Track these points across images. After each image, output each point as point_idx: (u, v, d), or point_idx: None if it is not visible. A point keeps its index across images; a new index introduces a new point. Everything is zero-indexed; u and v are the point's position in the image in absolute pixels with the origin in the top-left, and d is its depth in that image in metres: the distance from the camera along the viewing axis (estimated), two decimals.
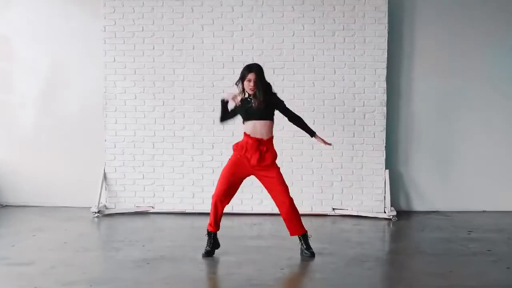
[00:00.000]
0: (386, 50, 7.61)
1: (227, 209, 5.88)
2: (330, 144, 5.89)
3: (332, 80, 7.67)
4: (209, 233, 5.75)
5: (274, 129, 5.73)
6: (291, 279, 5.26)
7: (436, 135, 7.95)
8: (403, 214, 7.70)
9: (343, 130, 7.67)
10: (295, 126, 5.90)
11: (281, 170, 5.74)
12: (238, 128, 5.97)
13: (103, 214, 7.71)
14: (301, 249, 5.71)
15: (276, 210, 6.40)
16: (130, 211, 7.82)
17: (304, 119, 5.93)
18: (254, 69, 5.61)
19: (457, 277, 5.10)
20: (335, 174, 7.72)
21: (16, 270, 5.31)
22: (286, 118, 5.86)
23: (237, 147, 5.68)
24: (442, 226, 7.13)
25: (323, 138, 5.87)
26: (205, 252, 5.70)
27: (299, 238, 5.71)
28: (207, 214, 5.81)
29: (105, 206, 7.87)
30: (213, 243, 5.74)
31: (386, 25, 7.60)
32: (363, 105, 7.66)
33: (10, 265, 5.47)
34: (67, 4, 8.17)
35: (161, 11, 7.76)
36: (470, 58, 7.90)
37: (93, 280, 4.98)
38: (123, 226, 7.21)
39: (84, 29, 8.10)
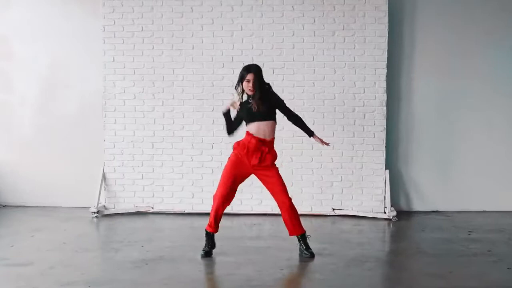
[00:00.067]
0: (386, 50, 7.59)
1: (227, 209, 5.84)
2: (328, 144, 5.88)
3: (332, 80, 7.65)
4: (208, 234, 5.72)
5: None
6: (290, 280, 5.23)
7: (436, 135, 7.93)
8: (403, 214, 7.68)
9: (343, 130, 7.66)
10: (295, 126, 5.90)
11: (281, 170, 5.76)
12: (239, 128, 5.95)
13: (102, 215, 7.69)
14: (300, 249, 5.69)
15: (276, 210, 6.41)
16: (129, 212, 7.80)
17: (304, 119, 5.93)
18: (252, 70, 5.59)
19: (457, 278, 5.08)
20: (335, 174, 7.70)
21: (15, 270, 5.29)
22: (285, 118, 5.86)
23: (238, 146, 5.66)
24: (443, 226, 7.11)
25: (321, 138, 5.86)
26: (204, 253, 5.68)
27: (298, 238, 5.69)
28: (206, 214, 5.80)
29: (104, 206, 7.85)
30: (212, 243, 5.73)
31: (386, 24, 7.58)
32: (363, 105, 7.64)
33: (8, 265, 5.45)
34: (67, 3, 8.15)
35: (160, 10, 7.75)
36: (470, 57, 7.88)
37: (92, 281, 4.96)
38: (122, 226, 7.18)
39: (84, 29, 8.09)
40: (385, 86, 7.62)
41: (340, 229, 7.04)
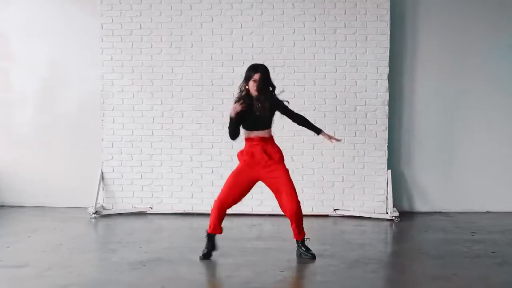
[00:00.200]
0: (388, 48, 7.51)
1: (227, 208, 5.75)
2: (339, 140, 5.79)
3: (333, 78, 7.58)
4: (208, 235, 5.62)
5: (274, 128, 5.67)
6: (290, 282, 5.17)
7: (439, 135, 7.86)
8: (405, 215, 7.60)
9: (345, 129, 7.58)
10: (295, 125, 5.80)
11: None
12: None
13: (100, 215, 7.61)
14: (299, 252, 5.61)
15: (276, 210, 6.32)
16: (128, 212, 7.73)
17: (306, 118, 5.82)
18: (260, 69, 5.47)
19: (461, 280, 5.00)
20: (336, 174, 7.62)
21: (10, 272, 5.22)
22: (286, 117, 5.75)
23: (242, 154, 5.57)
24: (446, 227, 7.05)
25: (330, 134, 5.77)
26: (202, 255, 5.58)
27: (297, 242, 5.62)
28: (206, 215, 5.72)
29: (102, 206, 7.78)
30: (212, 245, 5.62)
31: (388, 22, 7.50)
32: (365, 104, 7.56)
33: (3, 267, 5.38)
34: (64, 1, 8.08)
35: (159, 8, 7.67)
36: (473, 56, 7.80)
37: (88, 282, 4.90)
38: (121, 227, 7.12)
39: (81, 27, 8.02)
40: (387, 85, 7.54)
41: (342, 230, 6.98)
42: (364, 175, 7.61)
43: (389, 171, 7.60)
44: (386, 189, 7.57)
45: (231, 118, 5.44)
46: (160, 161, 7.77)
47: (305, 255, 5.55)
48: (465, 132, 7.85)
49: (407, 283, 5.04)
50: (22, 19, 8.17)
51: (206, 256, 5.57)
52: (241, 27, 7.61)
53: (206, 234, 5.63)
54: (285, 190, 5.45)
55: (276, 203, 5.65)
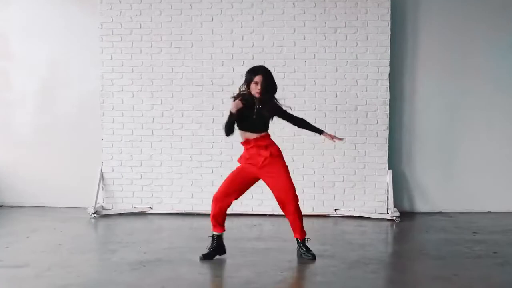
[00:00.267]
0: (389, 47, 7.49)
1: (226, 206, 5.71)
2: (341, 139, 5.77)
3: (334, 78, 7.55)
4: (212, 236, 5.58)
5: (274, 128, 5.66)
6: (291, 283, 5.14)
7: (440, 135, 7.83)
8: (406, 215, 7.57)
9: (345, 129, 7.55)
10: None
11: None
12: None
13: (100, 215, 7.59)
14: (300, 252, 5.58)
15: (276, 211, 6.29)
16: (127, 212, 7.70)
17: (305, 118, 5.79)
18: (261, 72, 5.40)
19: (462, 281, 4.97)
20: (337, 174, 7.60)
21: (9, 272, 5.19)
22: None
23: (241, 159, 5.56)
24: (447, 227, 7.01)
25: (331, 134, 5.74)
26: (202, 255, 5.54)
27: (298, 241, 5.58)
28: (206, 215, 5.70)
29: (102, 206, 7.75)
30: (216, 246, 5.56)
31: (389, 21, 7.47)
32: (366, 104, 7.53)
33: (2, 267, 5.35)
34: (64, 1, 8.05)
35: (159, 7, 7.64)
36: (474, 56, 7.77)
37: (87, 283, 4.87)
38: (120, 227, 7.09)
39: (81, 27, 7.99)
40: (388, 85, 7.51)
41: (342, 230, 6.95)
42: (365, 175, 7.58)
43: (390, 171, 7.57)
44: (386, 189, 7.54)
45: (231, 114, 5.36)
46: (160, 161, 7.74)
47: (306, 255, 5.52)
48: (466, 132, 7.83)
49: (408, 284, 5.00)
50: (22, 19, 8.13)
51: (206, 256, 5.53)
52: (242, 27, 7.58)
53: (211, 234, 5.59)
54: (283, 187, 5.41)
55: (276, 203, 5.61)
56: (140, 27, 7.67)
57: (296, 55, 7.57)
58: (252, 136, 5.46)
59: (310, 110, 7.43)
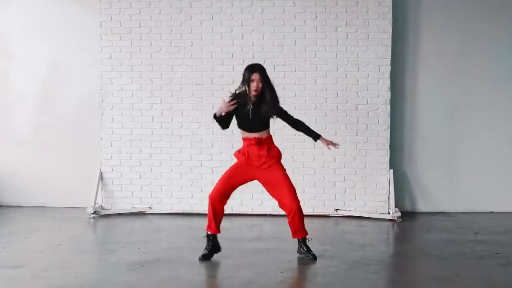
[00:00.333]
0: (390, 46, 7.45)
1: (227, 209, 5.71)
2: (337, 146, 5.61)
3: (335, 77, 7.51)
4: (208, 236, 5.55)
5: (274, 128, 5.62)
6: (291, 283, 5.10)
7: (442, 134, 7.79)
8: (407, 215, 7.53)
9: (346, 128, 7.51)
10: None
11: None
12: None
13: (99, 215, 7.54)
14: (300, 252, 5.54)
15: (277, 211, 6.25)
16: (127, 212, 7.66)
17: (305, 117, 5.78)
18: (258, 69, 5.38)
19: (464, 281, 4.94)
20: (337, 174, 7.56)
21: (6, 273, 5.16)
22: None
23: (239, 154, 5.50)
24: (448, 227, 6.98)
25: (329, 140, 5.61)
26: (201, 256, 5.51)
27: (298, 241, 5.54)
28: (206, 215, 5.63)
29: (101, 206, 7.71)
30: (212, 246, 5.54)
31: (390, 20, 7.43)
32: (367, 103, 7.50)
33: (0, 268, 5.31)
34: (64, 1, 8.02)
35: (158, 6, 7.60)
36: (476, 54, 7.74)
37: (85, 284, 4.85)
38: (120, 227, 7.06)
39: (80, 25, 7.96)
40: (389, 84, 7.47)
41: (343, 230, 6.92)
42: (366, 174, 7.54)
43: (391, 170, 7.53)
44: (388, 189, 7.51)
45: (214, 116, 5.43)
46: (159, 161, 7.70)
47: (306, 256, 5.48)
48: (468, 132, 7.79)
49: (409, 284, 4.97)
50: (22, 19, 8.10)
51: (205, 257, 5.50)
52: (242, 25, 7.55)
53: (206, 234, 5.56)
54: (285, 188, 5.38)
55: (276, 203, 5.56)
56: (140, 26, 7.63)
57: (296, 54, 7.52)
58: (251, 135, 5.42)
59: (311, 110, 7.39)
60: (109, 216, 7.58)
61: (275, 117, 5.52)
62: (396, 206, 7.45)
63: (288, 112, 5.60)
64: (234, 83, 6.99)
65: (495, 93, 7.75)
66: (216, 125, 7.32)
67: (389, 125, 7.50)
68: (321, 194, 7.56)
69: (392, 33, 7.44)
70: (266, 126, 5.47)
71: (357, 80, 7.50)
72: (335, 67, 7.50)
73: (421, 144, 7.80)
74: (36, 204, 8.07)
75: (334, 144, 5.57)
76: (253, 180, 5.55)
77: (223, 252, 5.64)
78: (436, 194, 7.82)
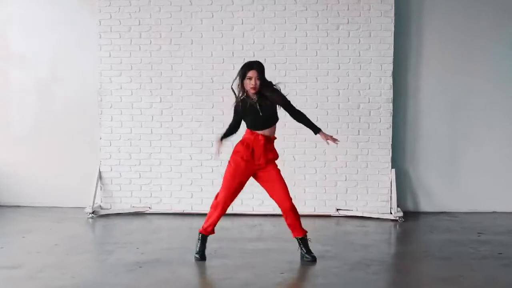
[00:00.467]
0: (392, 44, 7.40)
1: (227, 209, 5.62)
2: (336, 142, 5.52)
3: (336, 75, 7.45)
4: (204, 237, 5.50)
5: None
6: (291, 284, 5.04)
7: (444, 133, 7.74)
8: (410, 215, 7.49)
9: (348, 127, 7.46)
10: (297, 123, 5.61)
11: (283, 169, 5.55)
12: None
13: (98, 215, 7.49)
14: (301, 253, 5.47)
15: (277, 211, 6.18)
16: (126, 212, 7.60)
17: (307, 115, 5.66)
18: (255, 66, 5.31)
19: (467, 282, 4.89)
20: (339, 174, 7.50)
21: (3, 273, 5.11)
22: (288, 115, 5.57)
23: (242, 146, 5.36)
24: (451, 227, 6.93)
25: (328, 135, 5.51)
26: (199, 256, 5.46)
27: (298, 241, 5.47)
28: (206, 215, 5.56)
29: (100, 206, 7.66)
30: (205, 246, 5.52)
31: (393, 18, 7.38)
32: (369, 102, 7.44)
33: None
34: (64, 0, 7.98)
35: (158, 4, 7.56)
36: (478, 53, 7.69)
37: (82, 284, 4.79)
38: (118, 227, 7.00)
39: (79, 23, 7.91)
40: (391, 82, 7.42)
41: (344, 231, 6.86)
42: (368, 174, 7.48)
43: (393, 170, 7.48)
44: (390, 189, 7.45)
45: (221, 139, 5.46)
46: (159, 160, 7.64)
47: (306, 257, 5.40)
48: (471, 131, 7.74)
49: (412, 285, 4.93)
50: (21, 17, 8.05)
51: (202, 257, 5.47)
52: (242, 23, 7.49)
53: (200, 235, 5.50)
54: (279, 186, 5.34)
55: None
56: (139, 24, 7.58)
57: (297, 52, 7.47)
58: (264, 132, 5.35)
59: (312, 108, 7.32)
60: (108, 216, 7.52)
61: (279, 106, 5.44)
62: (398, 206, 7.39)
63: (291, 104, 5.51)
64: (232, 85, 6.94)
65: (499, 93, 7.70)
66: (216, 125, 7.42)
67: (391, 124, 7.45)
68: (322, 194, 7.51)
69: (394, 31, 7.40)
70: (276, 119, 5.40)
71: (359, 78, 7.44)
72: (337, 66, 7.45)
73: (424, 143, 7.74)
74: (34, 204, 8.01)
75: (334, 140, 5.48)
76: (250, 176, 5.47)
77: (223, 253, 5.62)
78: (438, 194, 7.77)
